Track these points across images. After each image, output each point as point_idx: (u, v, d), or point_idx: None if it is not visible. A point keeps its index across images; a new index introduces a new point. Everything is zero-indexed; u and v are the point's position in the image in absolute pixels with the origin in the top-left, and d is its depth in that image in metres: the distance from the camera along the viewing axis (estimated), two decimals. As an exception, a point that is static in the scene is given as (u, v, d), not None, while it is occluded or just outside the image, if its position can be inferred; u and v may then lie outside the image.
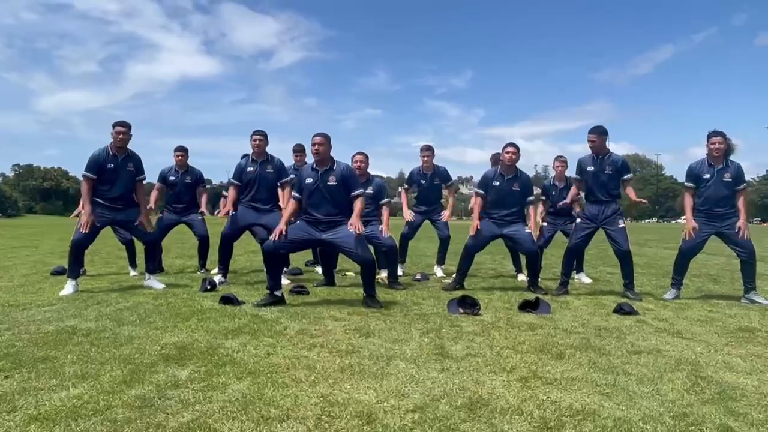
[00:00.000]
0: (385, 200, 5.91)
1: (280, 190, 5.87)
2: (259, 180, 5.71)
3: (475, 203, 5.68)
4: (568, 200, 6.13)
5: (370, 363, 2.84)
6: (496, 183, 5.54)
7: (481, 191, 5.64)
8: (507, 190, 5.49)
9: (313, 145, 4.61)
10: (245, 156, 5.93)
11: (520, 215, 5.63)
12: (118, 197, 5.17)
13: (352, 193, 4.65)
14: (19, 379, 2.50)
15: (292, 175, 6.17)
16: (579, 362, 2.92)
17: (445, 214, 6.75)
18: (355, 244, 4.51)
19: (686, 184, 5.19)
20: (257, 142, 5.72)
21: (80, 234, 5.04)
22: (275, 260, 4.61)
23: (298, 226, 4.70)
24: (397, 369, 2.75)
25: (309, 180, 4.67)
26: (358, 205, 4.64)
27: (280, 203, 6.11)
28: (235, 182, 5.77)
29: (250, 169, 5.74)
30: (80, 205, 5.76)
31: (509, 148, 5.50)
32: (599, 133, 5.29)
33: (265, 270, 4.68)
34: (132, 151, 5.27)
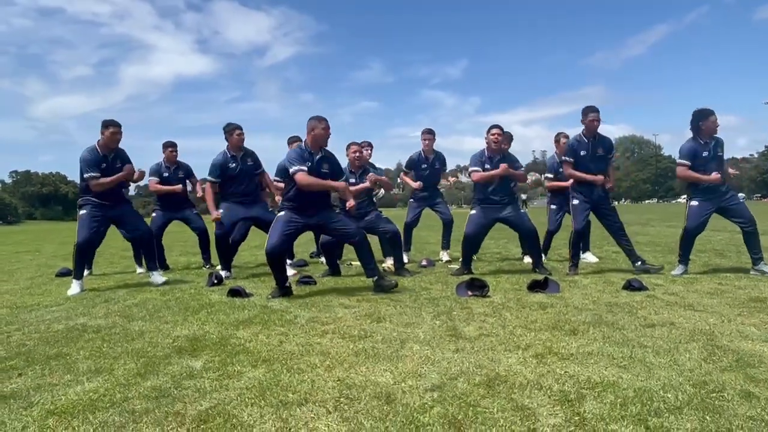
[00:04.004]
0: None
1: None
2: (244, 174, 5.69)
3: (488, 173, 5.49)
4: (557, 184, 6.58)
5: (384, 347, 2.82)
6: (487, 167, 5.49)
7: (477, 168, 5.58)
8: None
9: (327, 129, 4.55)
10: (222, 153, 5.72)
11: (513, 197, 5.63)
12: (109, 194, 5.14)
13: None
14: (33, 376, 2.49)
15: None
16: (593, 337, 2.91)
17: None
18: (345, 223, 4.60)
19: (685, 162, 5.01)
20: (241, 136, 5.67)
21: (87, 234, 5.00)
22: (278, 259, 4.54)
23: (285, 218, 4.54)
24: (412, 351, 2.73)
25: (308, 164, 4.58)
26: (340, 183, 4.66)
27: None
28: (213, 180, 5.66)
29: (232, 164, 5.66)
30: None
31: (494, 131, 5.45)
32: (599, 112, 5.32)
33: (270, 270, 4.59)
34: (118, 148, 5.22)
